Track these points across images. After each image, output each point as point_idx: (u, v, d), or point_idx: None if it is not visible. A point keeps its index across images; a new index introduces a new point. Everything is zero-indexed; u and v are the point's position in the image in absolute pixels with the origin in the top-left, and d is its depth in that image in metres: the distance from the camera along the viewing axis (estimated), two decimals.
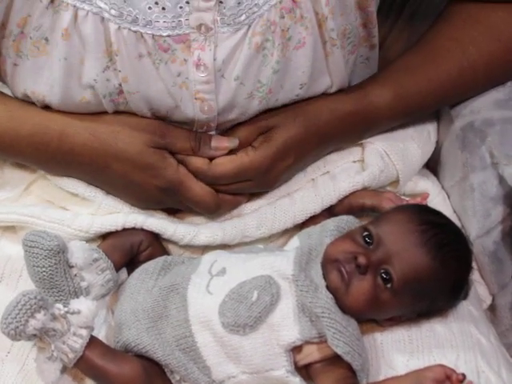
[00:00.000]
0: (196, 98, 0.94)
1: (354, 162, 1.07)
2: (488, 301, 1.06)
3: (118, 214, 1.00)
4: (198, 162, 0.97)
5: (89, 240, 0.99)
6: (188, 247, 1.03)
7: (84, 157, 0.96)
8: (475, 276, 1.04)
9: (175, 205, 1.01)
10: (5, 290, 0.96)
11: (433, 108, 1.10)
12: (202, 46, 0.91)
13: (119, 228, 1.00)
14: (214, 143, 0.97)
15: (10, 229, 1.04)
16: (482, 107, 1.06)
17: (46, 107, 0.98)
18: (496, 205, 1.02)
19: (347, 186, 1.03)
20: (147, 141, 0.95)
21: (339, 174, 1.04)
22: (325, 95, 1.01)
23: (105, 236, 1.01)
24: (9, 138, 0.98)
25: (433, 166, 1.14)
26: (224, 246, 1.02)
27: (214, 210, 1.00)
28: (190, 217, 1.03)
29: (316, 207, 1.02)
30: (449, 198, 1.10)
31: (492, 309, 1.06)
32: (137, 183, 0.97)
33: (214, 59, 0.92)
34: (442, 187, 1.11)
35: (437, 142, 1.12)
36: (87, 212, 1.00)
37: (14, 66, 0.96)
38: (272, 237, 1.04)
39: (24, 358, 0.91)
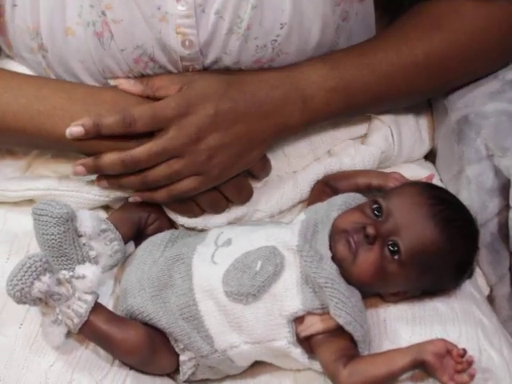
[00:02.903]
0: (177, 33, 0.94)
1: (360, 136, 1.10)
2: (486, 292, 1.05)
3: None
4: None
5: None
6: None
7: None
8: None
9: None
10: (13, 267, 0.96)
11: (377, 103, 1.05)
12: None
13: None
14: None
15: (15, 208, 1.04)
16: (476, 100, 1.07)
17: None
18: (492, 197, 1.02)
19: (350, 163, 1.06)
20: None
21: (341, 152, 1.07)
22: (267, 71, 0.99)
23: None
24: None
25: (431, 160, 1.16)
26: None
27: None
28: None
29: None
30: None
31: (490, 300, 1.06)
32: None
33: None
34: (441, 180, 1.12)
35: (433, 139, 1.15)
36: None
37: (14, 7, 0.97)
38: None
39: (36, 330, 0.90)
